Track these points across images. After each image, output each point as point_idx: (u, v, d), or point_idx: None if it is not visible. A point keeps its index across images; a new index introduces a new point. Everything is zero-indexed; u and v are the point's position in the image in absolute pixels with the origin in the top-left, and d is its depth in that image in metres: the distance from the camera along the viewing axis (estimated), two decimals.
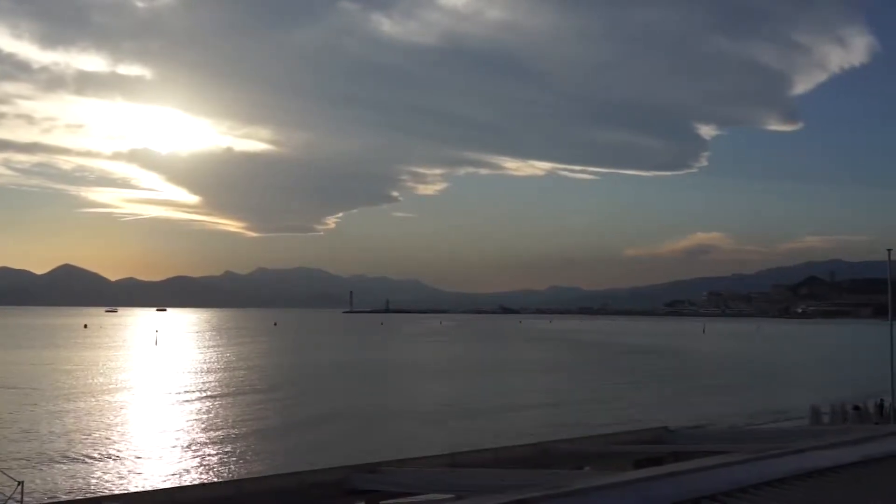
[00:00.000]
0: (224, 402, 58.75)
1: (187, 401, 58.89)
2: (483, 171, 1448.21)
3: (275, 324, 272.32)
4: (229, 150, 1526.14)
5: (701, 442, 13.90)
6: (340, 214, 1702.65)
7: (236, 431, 45.09)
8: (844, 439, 11.06)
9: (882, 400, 36.43)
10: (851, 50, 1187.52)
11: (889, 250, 32.70)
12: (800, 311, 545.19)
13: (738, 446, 11.44)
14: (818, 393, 53.39)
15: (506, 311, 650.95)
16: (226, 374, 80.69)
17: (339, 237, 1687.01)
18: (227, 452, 38.66)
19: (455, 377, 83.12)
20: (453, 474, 10.16)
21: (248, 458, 37.51)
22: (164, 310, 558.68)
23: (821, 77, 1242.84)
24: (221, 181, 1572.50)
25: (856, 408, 32.92)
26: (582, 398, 63.62)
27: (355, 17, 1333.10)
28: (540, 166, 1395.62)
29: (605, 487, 7.95)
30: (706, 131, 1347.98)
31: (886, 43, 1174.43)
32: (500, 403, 59.97)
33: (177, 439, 42.17)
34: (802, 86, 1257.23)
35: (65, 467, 34.33)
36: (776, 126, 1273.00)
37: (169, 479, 31.51)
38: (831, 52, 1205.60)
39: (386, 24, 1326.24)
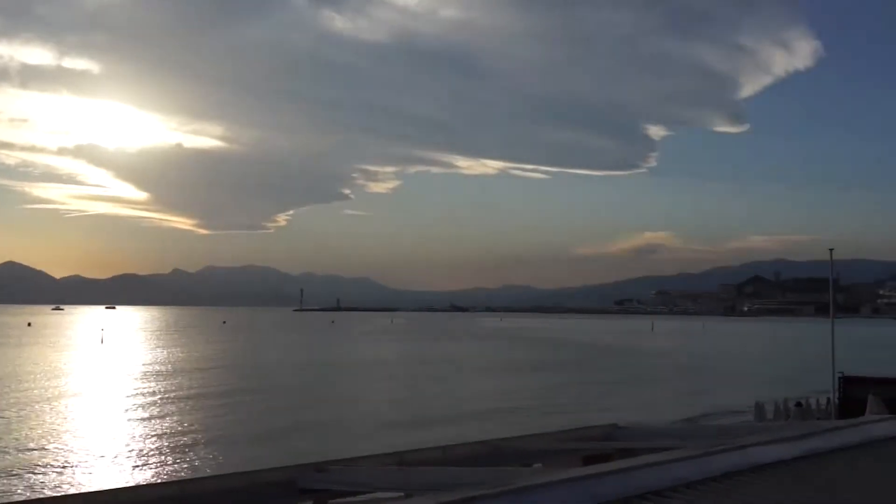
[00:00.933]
0: (167, 402, 57.81)
1: (129, 402, 57.96)
2: (435, 170, 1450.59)
3: (223, 322, 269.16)
4: (179, 146, 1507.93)
5: (649, 438, 14.02)
6: (291, 212, 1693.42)
7: (181, 433, 44.36)
8: (786, 435, 11.26)
9: (810, 398, 37.35)
10: (796, 54, 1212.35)
11: (831, 250, 33.44)
12: (745, 309, 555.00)
13: (684, 442, 11.58)
14: (762, 389, 54.25)
15: (457, 309, 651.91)
16: (169, 374, 79.56)
17: (289, 235, 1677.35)
18: (171, 455, 38.05)
19: (404, 374, 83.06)
20: (402, 472, 10.12)
21: (193, 459, 37.01)
22: (114, 307, 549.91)
23: (766, 80, 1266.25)
24: (170, 178, 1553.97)
25: (798, 404, 33.59)
26: (531, 395, 64.00)
27: (306, 13, 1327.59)
28: (492, 165, 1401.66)
29: (553, 484, 7.98)
30: (655, 132, 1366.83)
31: (830, 47, 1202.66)
32: (449, 401, 60.09)
33: (118, 443, 41.35)
34: (749, 88, 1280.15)
35: None
36: (723, 127, 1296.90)
37: (110, 484, 30.94)
38: (776, 55, 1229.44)
39: (337, 21, 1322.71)
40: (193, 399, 59.26)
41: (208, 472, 29.38)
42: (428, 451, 12.14)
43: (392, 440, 37.49)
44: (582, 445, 13.47)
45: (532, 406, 57.32)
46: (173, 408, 54.19)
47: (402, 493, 9.62)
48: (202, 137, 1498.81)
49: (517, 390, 68.36)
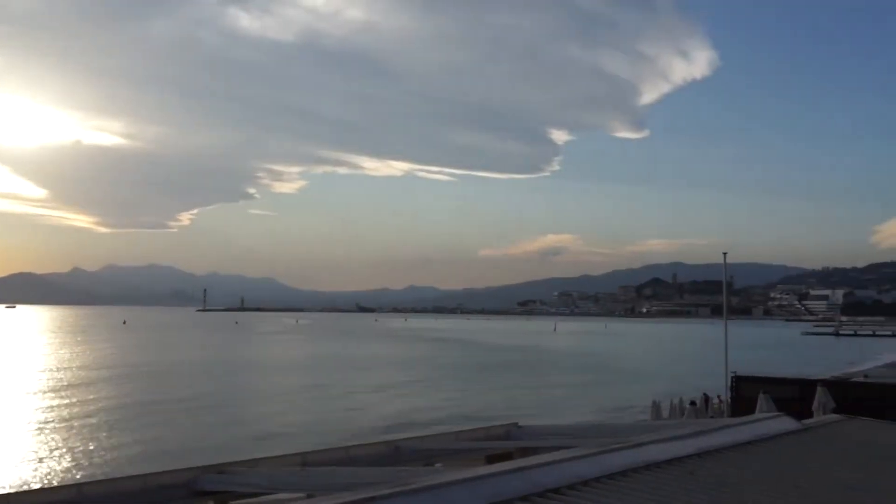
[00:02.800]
0: (63, 404, 56.11)
1: (18, 404, 55.97)
2: (341, 170, 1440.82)
3: (124, 322, 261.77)
4: (79, 142, 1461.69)
5: (548, 437, 14.23)
6: (195, 211, 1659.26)
7: (75, 435, 43.15)
8: (680, 433, 11.59)
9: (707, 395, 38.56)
10: (694, 62, 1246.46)
11: (725, 253, 34.49)
12: (644, 310, 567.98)
13: (583, 441, 11.78)
14: (660, 389, 55.66)
15: (363, 309, 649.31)
16: (65, 375, 77.10)
17: (193, 234, 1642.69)
18: (66, 458, 36.94)
19: (308, 374, 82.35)
20: (304, 473, 10.04)
21: (89, 462, 35.97)
22: (14, 307, 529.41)
23: (666, 88, 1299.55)
24: (71, 174, 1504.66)
25: (692, 403, 34.60)
26: (434, 395, 64.27)
27: (212, 11, 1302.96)
28: (398, 166, 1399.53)
29: (454, 483, 8.03)
30: (559, 136, 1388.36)
31: (726, 57, 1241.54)
32: (351, 401, 59.86)
33: (8, 448, 39.96)
34: (649, 95, 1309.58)
35: None
36: (625, 133, 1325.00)
37: None
38: (675, 63, 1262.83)
39: (244, 19, 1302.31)
40: (105, 393, 57.66)
41: (101, 475, 28.59)
42: (330, 451, 12.08)
43: (295, 441, 37.16)
44: (483, 444, 13.60)
45: (435, 405, 57.57)
46: (65, 407, 52.55)
47: (303, 494, 9.54)
48: (104, 133, 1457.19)
49: (421, 390, 68.53)
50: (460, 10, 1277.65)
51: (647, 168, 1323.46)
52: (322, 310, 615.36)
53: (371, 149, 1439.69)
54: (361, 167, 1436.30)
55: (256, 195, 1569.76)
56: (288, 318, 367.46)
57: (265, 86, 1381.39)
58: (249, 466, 10.41)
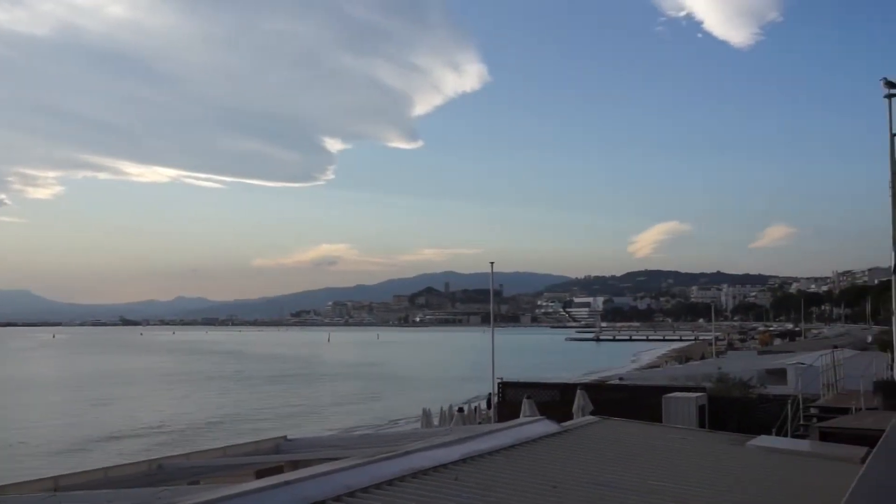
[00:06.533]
0: None
1: None
2: (103, 176, 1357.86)
3: None
4: None
5: (319, 449, 14.22)
6: None
7: None
8: (447, 440, 11.89)
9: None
10: (465, 76, 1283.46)
11: (492, 263, 35.86)
12: (417, 319, 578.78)
13: (353, 452, 11.84)
14: (431, 396, 56.82)
15: (127, 322, 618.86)
16: None
17: None
18: None
19: (62, 391, 77.85)
20: (56, 499, 9.46)
21: None
22: None
23: (438, 100, 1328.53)
24: None
25: (460, 409, 35.49)
26: (200, 410, 62.39)
27: None
28: (164, 173, 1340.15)
29: (218, 500, 7.84)
30: (333, 145, 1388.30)
31: (495, 72, 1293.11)
32: (111, 418, 57.04)
33: None
34: (422, 107, 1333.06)
35: None
36: (398, 143, 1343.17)
37: None
38: (447, 76, 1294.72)
39: None
40: None
41: None
42: (87, 473, 11.46)
43: (49, 464, 34.84)
44: (252, 459, 13.38)
45: (201, 420, 55.93)
46: None
47: None
48: None
49: (186, 405, 66.35)
50: (230, 13, 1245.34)
51: (421, 178, 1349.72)
52: (83, 324, 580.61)
53: (135, 153, 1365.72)
54: (125, 173, 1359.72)
55: (7, 201, 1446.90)
56: (44, 333, 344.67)
57: (15, 82, 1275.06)
58: None
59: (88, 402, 69.06)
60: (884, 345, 35.46)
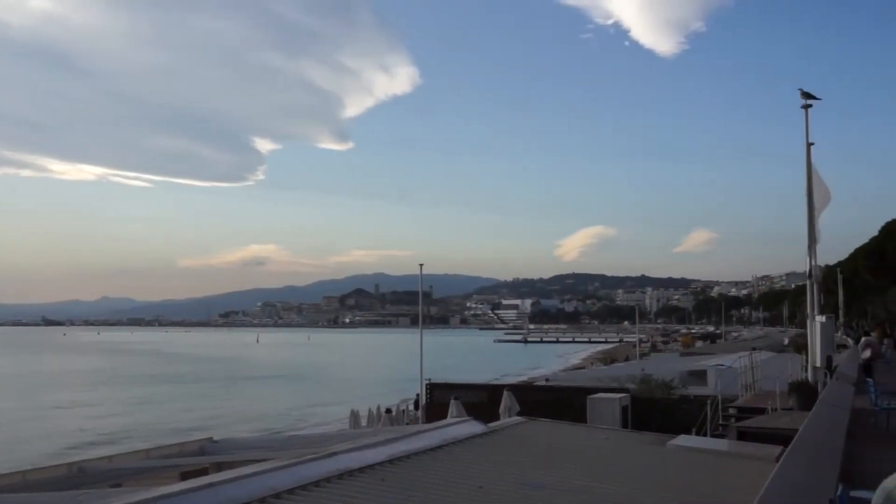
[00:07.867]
0: None
1: None
2: (25, 173, 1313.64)
3: None
4: None
5: (245, 451, 14.14)
6: None
7: None
8: (374, 441, 11.94)
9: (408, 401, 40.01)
10: (395, 78, 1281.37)
11: (421, 265, 35.96)
12: (347, 321, 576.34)
13: (279, 453, 11.82)
14: (360, 397, 56.69)
15: (50, 323, 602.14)
16: None
17: None
18: None
19: None
20: None
21: None
22: None
23: (369, 101, 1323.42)
24: None
25: (388, 410, 35.55)
26: (123, 411, 61.26)
27: None
28: (90, 170, 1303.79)
29: (142, 503, 7.77)
30: (263, 145, 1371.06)
31: (426, 75, 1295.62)
32: (28, 420, 55.61)
33: None
34: (353, 108, 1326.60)
35: None
36: (329, 144, 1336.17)
37: None
38: (378, 78, 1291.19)
39: None
40: None
41: None
42: (4, 476, 11.22)
43: None
44: (177, 461, 13.25)
45: (124, 422, 54.88)
46: None
47: None
48: None
49: (109, 406, 65.02)
50: (157, 9, 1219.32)
51: (352, 180, 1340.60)
52: (3, 324, 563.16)
53: (59, 151, 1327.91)
54: (48, 170, 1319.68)
55: None
56: None
57: None
58: None
59: (5, 401, 67.21)
60: (799, 347, 36.54)
